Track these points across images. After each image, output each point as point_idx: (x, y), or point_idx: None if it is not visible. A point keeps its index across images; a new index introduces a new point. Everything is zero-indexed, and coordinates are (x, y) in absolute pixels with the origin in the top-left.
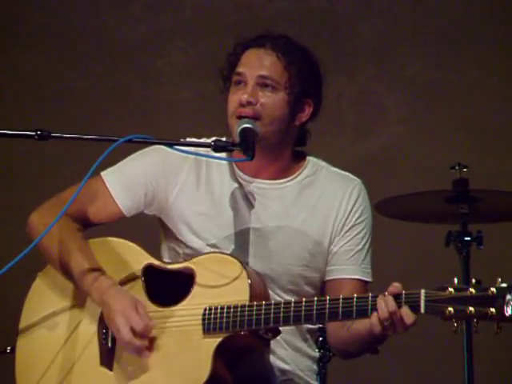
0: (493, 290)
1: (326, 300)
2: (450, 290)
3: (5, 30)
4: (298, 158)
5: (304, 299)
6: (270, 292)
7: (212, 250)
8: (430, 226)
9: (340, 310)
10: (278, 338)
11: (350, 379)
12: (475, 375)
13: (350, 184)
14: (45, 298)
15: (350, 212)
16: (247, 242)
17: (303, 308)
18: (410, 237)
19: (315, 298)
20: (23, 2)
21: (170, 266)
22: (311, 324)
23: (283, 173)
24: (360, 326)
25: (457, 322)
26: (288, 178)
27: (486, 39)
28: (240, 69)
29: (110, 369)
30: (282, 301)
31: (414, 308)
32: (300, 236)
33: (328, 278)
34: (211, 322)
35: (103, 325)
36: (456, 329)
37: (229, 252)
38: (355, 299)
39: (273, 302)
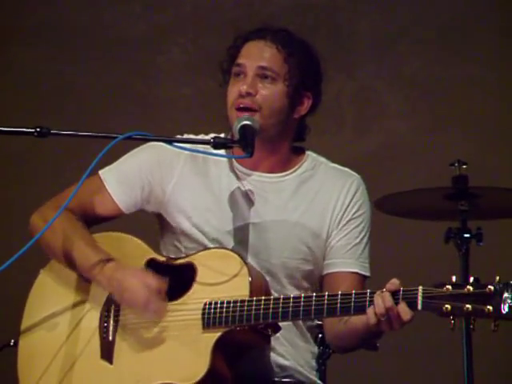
0: (490, 287)
1: (324, 296)
2: (448, 287)
3: (4, 26)
4: (297, 152)
5: (303, 295)
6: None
7: (213, 245)
8: (429, 222)
9: (338, 306)
10: (277, 334)
11: (349, 376)
12: (475, 374)
13: (348, 179)
14: (47, 293)
15: (348, 206)
16: (246, 235)
17: (302, 304)
18: (409, 233)
19: (314, 294)
20: None
21: (171, 261)
22: (310, 320)
23: (282, 166)
24: (357, 320)
25: (454, 319)
26: (287, 172)
27: (486, 36)
28: (240, 60)
29: (111, 362)
30: (282, 296)
31: (412, 304)
32: (298, 229)
33: (326, 271)
34: (211, 316)
35: (104, 319)
36: (453, 326)
37: (229, 246)
38: (353, 295)
39: (272, 297)
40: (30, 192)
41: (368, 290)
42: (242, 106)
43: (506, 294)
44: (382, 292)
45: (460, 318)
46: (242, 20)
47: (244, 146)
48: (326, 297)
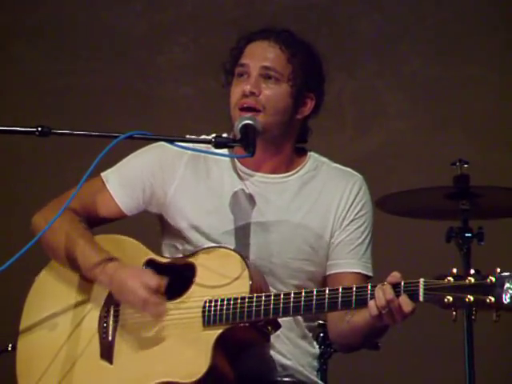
0: (491, 278)
1: (325, 290)
2: (449, 278)
3: (4, 26)
4: (300, 153)
5: (304, 290)
6: (272, 286)
7: (214, 244)
8: (430, 222)
9: (339, 299)
10: (279, 333)
11: (350, 375)
12: (476, 374)
13: (350, 179)
14: (46, 295)
15: (351, 206)
16: (248, 236)
17: (303, 298)
18: (410, 233)
19: (315, 289)
20: None
21: (171, 261)
22: (310, 315)
23: (285, 167)
24: (360, 318)
25: (456, 311)
26: (290, 173)
27: (487, 35)
28: (243, 60)
29: (110, 362)
30: (282, 292)
31: (413, 296)
32: (301, 230)
33: (328, 272)
34: (211, 314)
35: (104, 319)
36: (455, 317)
37: (230, 246)
38: (354, 289)
39: (273, 293)
40: (31, 192)
41: (369, 284)
42: (245, 105)
43: (507, 285)
44: (383, 285)
45: (462, 309)
46: (243, 19)
47: (245, 145)
48: (327, 291)
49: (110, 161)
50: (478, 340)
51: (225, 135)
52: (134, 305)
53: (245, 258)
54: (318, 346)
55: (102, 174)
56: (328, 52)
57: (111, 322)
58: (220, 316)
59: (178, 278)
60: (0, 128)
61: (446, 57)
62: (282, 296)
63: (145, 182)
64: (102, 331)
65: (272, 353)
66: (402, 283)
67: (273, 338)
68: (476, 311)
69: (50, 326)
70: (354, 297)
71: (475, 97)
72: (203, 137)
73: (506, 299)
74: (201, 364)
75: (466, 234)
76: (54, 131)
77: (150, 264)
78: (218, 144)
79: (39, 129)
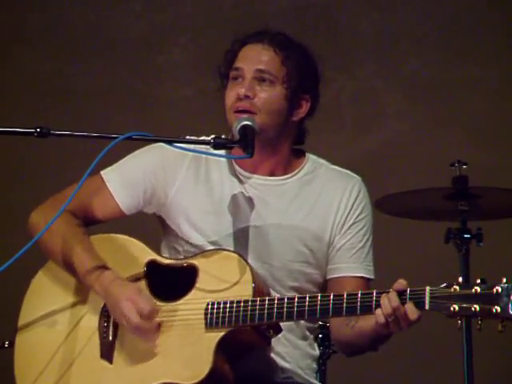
0: (498, 288)
1: (329, 296)
2: (455, 287)
3: (4, 27)
4: (298, 155)
5: (308, 295)
6: (272, 290)
7: (214, 246)
8: (429, 223)
9: (344, 305)
10: (279, 335)
11: (349, 376)
12: (475, 374)
13: (349, 181)
14: (45, 293)
15: (351, 209)
16: (248, 239)
17: (307, 304)
18: (409, 234)
19: (319, 294)
20: None
21: (173, 262)
22: (314, 320)
23: (283, 169)
24: (364, 323)
25: (461, 320)
26: (288, 175)
27: (486, 35)
28: (237, 64)
29: (110, 362)
30: (286, 296)
31: (419, 304)
32: (300, 232)
33: (330, 276)
34: (214, 316)
35: (104, 319)
36: (460, 326)
37: (230, 248)
38: (360, 295)
39: (276, 297)
40: (31, 192)
41: (374, 290)
42: (240, 109)
43: None
44: (388, 292)
45: (467, 318)
46: (242, 20)
47: (244, 146)
48: (332, 297)
49: (109, 161)
50: (478, 340)
51: (223, 136)
52: (126, 326)
53: (247, 260)
54: (317, 348)
55: (102, 173)
56: (327, 52)
57: (111, 322)
58: (222, 318)
59: (179, 279)
60: None
61: (446, 57)
62: (285, 300)
63: (146, 182)
64: (103, 331)
65: (271, 355)
66: (408, 291)
67: (274, 339)
68: (481, 321)
69: (49, 324)
70: (359, 303)
71: (474, 97)
72: (202, 138)
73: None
74: (202, 366)
75: (465, 235)
76: (53, 132)
77: (152, 265)
78: (217, 145)
79: (38, 130)
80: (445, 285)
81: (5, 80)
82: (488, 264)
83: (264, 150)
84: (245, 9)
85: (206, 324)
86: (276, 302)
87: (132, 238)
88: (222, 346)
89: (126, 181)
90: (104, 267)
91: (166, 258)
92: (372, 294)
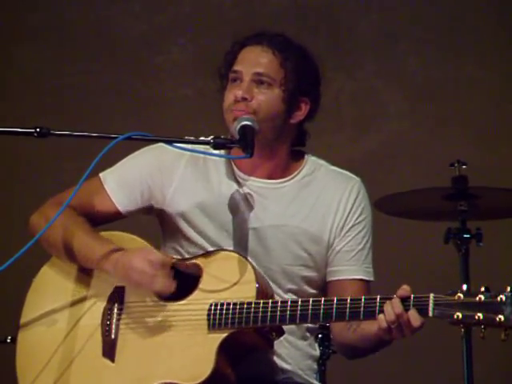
0: (502, 297)
1: (333, 300)
2: (459, 295)
3: (4, 26)
4: (297, 157)
5: (311, 299)
6: None
7: (214, 247)
8: (429, 223)
9: (347, 310)
10: (281, 338)
11: (348, 376)
12: (474, 374)
13: (349, 182)
14: (48, 290)
15: (350, 211)
16: (246, 241)
17: (310, 307)
18: (409, 234)
19: (322, 298)
20: None
21: (175, 262)
22: (315, 323)
23: (281, 172)
24: (367, 327)
25: (464, 328)
26: (286, 178)
27: (486, 35)
28: (236, 67)
29: (112, 360)
30: (289, 299)
31: (423, 311)
32: (298, 235)
33: (330, 278)
34: (216, 317)
35: (107, 317)
36: (463, 334)
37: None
38: (363, 300)
39: (279, 300)
40: (30, 192)
41: (378, 296)
42: (238, 109)
43: None
44: (392, 299)
45: (471, 326)
46: (242, 20)
47: (244, 146)
48: (335, 301)
49: (109, 162)
50: (478, 340)
51: (223, 137)
52: (142, 283)
53: (250, 261)
54: (318, 348)
55: (100, 175)
56: (327, 52)
57: (114, 320)
58: (225, 320)
59: (183, 279)
60: None
61: (445, 57)
62: (289, 303)
63: (143, 183)
64: (105, 329)
65: (271, 356)
66: (412, 297)
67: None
68: (485, 329)
69: (51, 322)
70: (362, 308)
71: (474, 98)
72: (202, 138)
73: None
74: (204, 367)
75: (465, 235)
76: (53, 132)
77: None
78: (217, 145)
79: (37, 130)
80: (449, 292)
81: (5, 80)
82: (488, 264)
83: (262, 152)
84: (244, 9)
85: (208, 325)
86: (279, 305)
87: (135, 236)
88: (224, 348)
89: (123, 183)
90: (112, 248)
91: (170, 257)
92: (375, 299)
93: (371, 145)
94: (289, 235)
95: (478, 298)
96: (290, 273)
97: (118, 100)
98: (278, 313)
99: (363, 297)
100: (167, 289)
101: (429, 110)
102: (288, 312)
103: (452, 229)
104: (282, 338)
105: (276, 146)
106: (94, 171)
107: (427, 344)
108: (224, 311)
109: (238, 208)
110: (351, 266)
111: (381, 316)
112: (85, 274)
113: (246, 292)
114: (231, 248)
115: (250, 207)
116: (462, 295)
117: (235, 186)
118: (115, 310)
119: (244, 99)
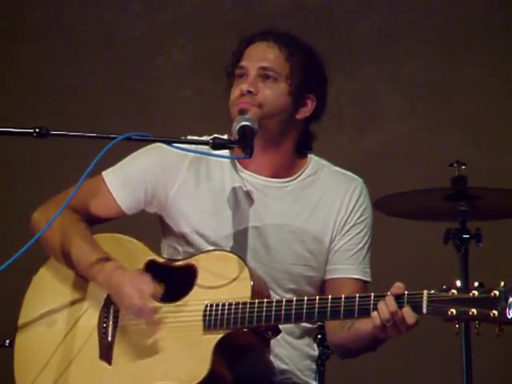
0: (495, 292)
1: (327, 298)
2: (453, 291)
3: (4, 26)
4: (300, 156)
5: (305, 297)
6: (271, 291)
7: (214, 247)
8: (428, 223)
9: (342, 308)
10: (278, 337)
11: (347, 377)
12: (473, 374)
13: (351, 183)
14: (46, 291)
15: (352, 211)
16: (247, 241)
17: (305, 306)
18: (408, 234)
19: (317, 297)
20: None
21: (172, 263)
22: (312, 323)
23: (285, 172)
24: (361, 326)
25: (459, 324)
26: (290, 178)
27: (486, 37)
28: (242, 63)
29: (109, 363)
30: (284, 299)
31: (417, 308)
32: (301, 235)
33: (327, 277)
34: (212, 318)
35: (103, 319)
36: (458, 330)
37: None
38: (357, 298)
39: (274, 299)
40: (30, 192)
41: (372, 293)
42: (243, 102)
43: (511, 299)
44: (386, 296)
45: (465, 322)
46: (242, 21)
47: (243, 146)
48: (330, 299)
49: (109, 162)
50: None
51: (225, 137)
52: (129, 311)
53: (245, 261)
54: (317, 348)
55: (103, 173)
56: (326, 53)
57: (111, 323)
58: (221, 321)
59: (178, 280)
60: None
61: (445, 58)
62: (283, 303)
63: (147, 183)
64: (102, 331)
65: (270, 357)
66: (406, 294)
67: (272, 341)
68: (479, 325)
69: (49, 323)
70: (356, 306)
71: (473, 98)
72: (205, 137)
73: (509, 314)
74: (200, 368)
75: (464, 236)
76: (52, 132)
77: (151, 265)
78: (216, 145)
79: (37, 130)
80: (442, 288)
81: (4, 80)
82: (487, 264)
83: (267, 149)
84: (244, 9)
85: (204, 326)
86: (274, 304)
87: (132, 238)
88: (220, 348)
89: (126, 181)
90: (106, 258)
91: (166, 258)
92: (369, 297)
93: (371, 145)
94: (292, 235)
95: (471, 294)
96: (292, 272)
97: (118, 100)
98: (273, 312)
99: (357, 295)
100: (153, 322)
101: (428, 111)
102: (283, 311)
103: (451, 229)
104: (279, 337)
105: (281, 141)
106: (94, 171)
107: (426, 343)
108: (219, 312)
109: (241, 206)
110: (349, 265)
111: (375, 314)
112: (82, 276)
113: (241, 292)
114: (232, 246)
115: (253, 205)
116: (455, 291)
117: (237, 183)
118: (112, 313)
119: (249, 92)
